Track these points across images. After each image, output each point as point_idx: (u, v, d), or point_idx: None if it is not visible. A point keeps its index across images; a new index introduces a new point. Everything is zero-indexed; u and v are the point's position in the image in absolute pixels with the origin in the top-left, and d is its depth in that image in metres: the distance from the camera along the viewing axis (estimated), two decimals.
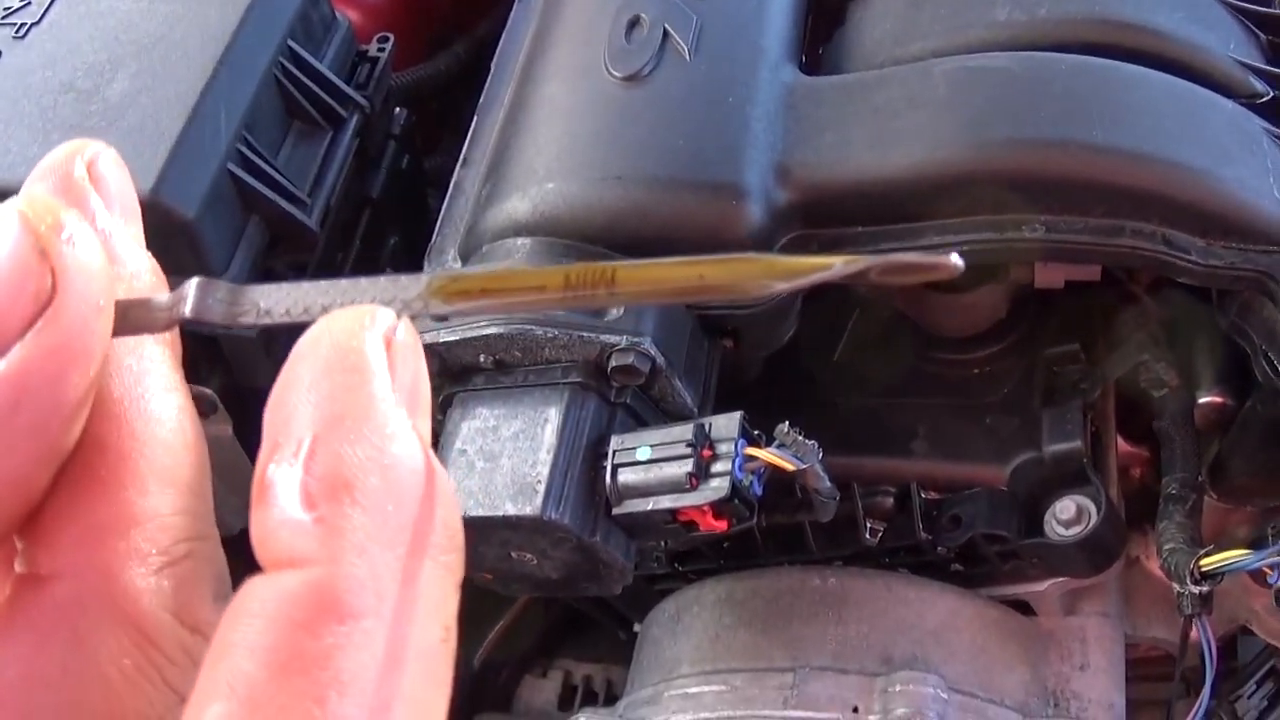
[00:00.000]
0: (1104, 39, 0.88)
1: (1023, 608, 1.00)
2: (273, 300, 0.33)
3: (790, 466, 0.77)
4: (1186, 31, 0.90)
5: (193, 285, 0.33)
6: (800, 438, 0.78)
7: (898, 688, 0.88)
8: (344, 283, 0.33)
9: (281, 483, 0.29)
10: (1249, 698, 1.03)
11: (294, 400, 0.30)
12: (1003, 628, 0.96)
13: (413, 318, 0.31)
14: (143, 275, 0.34)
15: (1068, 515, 0.92)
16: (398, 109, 1.07)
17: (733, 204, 0.83)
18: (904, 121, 0.84)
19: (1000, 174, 0.81)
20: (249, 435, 0.97)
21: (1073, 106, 0.83)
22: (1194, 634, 0.92)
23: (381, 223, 1.05)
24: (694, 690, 0.93)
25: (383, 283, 0.32)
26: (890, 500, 0.95)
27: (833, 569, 0.95)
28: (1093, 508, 0.92)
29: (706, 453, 0.77)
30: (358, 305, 0.31)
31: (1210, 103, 0.86)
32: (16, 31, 0.93)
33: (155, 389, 0.33)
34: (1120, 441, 1.04)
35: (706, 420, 0.79)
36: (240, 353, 0.93)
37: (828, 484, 0.79)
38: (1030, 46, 0.88)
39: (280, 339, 0.92)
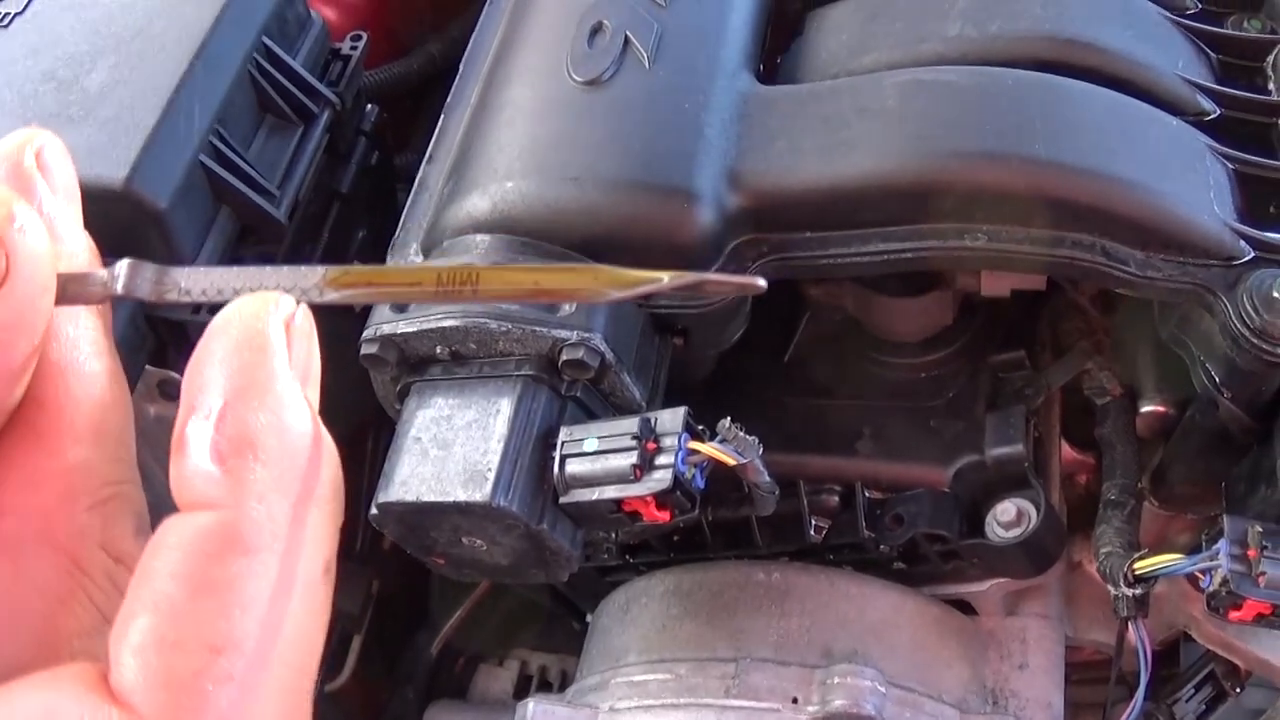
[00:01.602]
0: (1053, 56, 0.93)
1: (965, 608, 1.05)
2: (193, 282, 0.39)
3: (731, 461, 0.82)
4: (1134, 50, 0.95)
5: (124, 265, 0.40)
6: (741, 433, 0.83)
7: (836, 680, 0.93)
8: (254, 269, 0.39)
9: (195, 439, 0.35)
10: (1187, 701, 1.08)
11: (208, 371, 0.36)
12: (943, 625, 1.01)
13: (310, 305, 0.37)
14: (80, 254, 0.40)
15: (1008, 517, 0.98)
16: (369, 105, 1.13)
17: (684, 207, 0.88)
18: (854, 131, 0.89)
19: (945, 184, 0.86)
20: None
21: (1017, 121, 0.88)
22: (1130, 637, 0.98)
23: (350, 216, 1.10)
24: (639, 678, 0.98)
25: (285, 271, 0.39)
26: (835, 498, 1.00)
27: (777, 564, 1.00)
28: (1033, 510, 0.97)
29: (651, 445, 0.82)
30: (264, 291, 0.37)
31: (1153, 119, 0.91)
32: (0, 21, 0.99)
33: (88, 354, 0.39)
34: (1066, 449, 1.09)
35: (652, 415, 0.84)
36: None
37: (767, 479, 0.84)
38: (982, 62, 0.93)
39: None
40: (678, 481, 0.80)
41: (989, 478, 0.99)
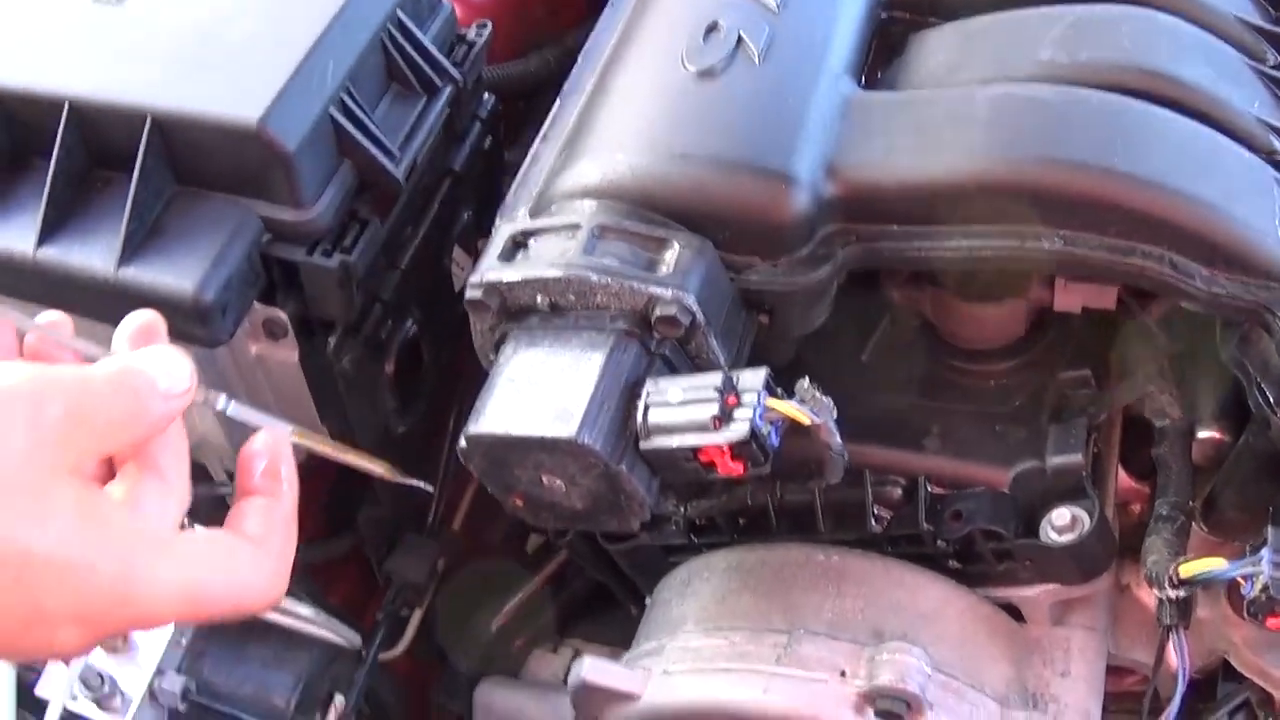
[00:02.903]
0: (1138, 85, 1.02)
1: (1015, 615, 1.12)
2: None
3: (807, 420, 0.90)
4: (1214, 87, 1.04)
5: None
6: (819, 394, 0.91)
7: (885, 657, 1.00)
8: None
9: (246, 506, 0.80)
10: None
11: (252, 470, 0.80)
12: (991, 624, 1.08)
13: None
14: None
15: (1063, 522, 1.05)
16: (486, 95, 1.24)
17: (782, 189, 0.97)
18: (946, 135, 0.99)
19: (1026, 188, 0.95)
20: (311, 360, 1.12)
21: (1099, 135, 0.97)
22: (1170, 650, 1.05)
23: (460, 195, 1.20)
24: (694, 644, 1.06)
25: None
26: (899, 491, 1.08)
27: (837, 549, 1.08)
28: (1086, 518, 1.05)
29: (731, 399, 0.90)
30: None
31: (1226, 148, 1.00)
32: None
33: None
34: (1124, 476, 1.17)
35: (735, 372, 0.92)
36: (318, 286, 1.07)
37: (838, 440, 0.92)
38: (1070, 85, 1.02)
39: (356, 279, 1.08)
40: (754, 434, 0.88)
41: (1047, 484, 1.06)
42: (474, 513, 1.39)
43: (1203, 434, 1.08)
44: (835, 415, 0.91)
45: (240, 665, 1.17)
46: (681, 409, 0.90)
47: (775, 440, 0.91)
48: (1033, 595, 1.09)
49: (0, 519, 0.68)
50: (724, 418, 0.89)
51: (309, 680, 1.18)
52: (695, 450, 0.90)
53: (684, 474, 0.93)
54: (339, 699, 1.20)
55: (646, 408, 0.91)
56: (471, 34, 1.20)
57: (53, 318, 0.78)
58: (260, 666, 1.17)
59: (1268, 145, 1.04)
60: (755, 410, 0.89)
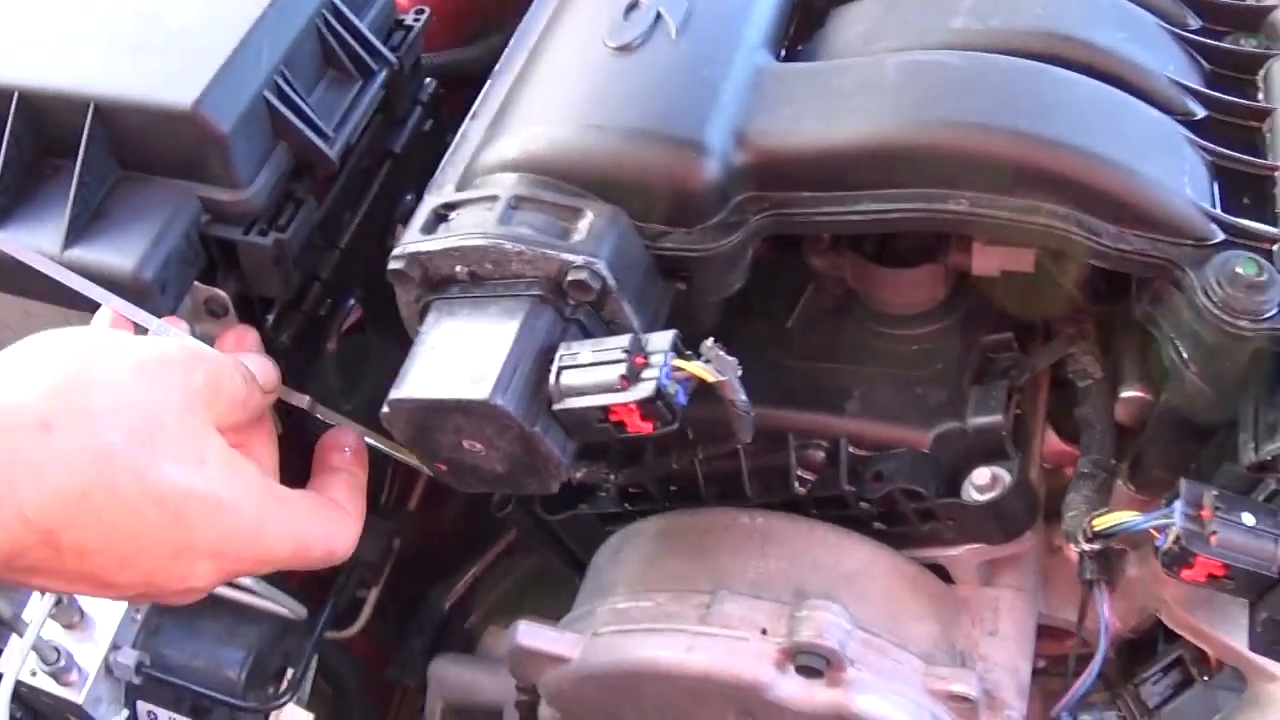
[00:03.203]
0: (1049, 50, 1.05)
1: (944, 577, 1.15)
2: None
3: (711, 377, 0.93)
4: (1127, 50, 1.07)
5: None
6: (722, 354, 0.94)
7: (804, 614, 1.03)
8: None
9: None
10: (1154, 684, 1.17)
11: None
12: (916, 584, 1.11)
13: None
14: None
15: (983, 481, 1.08)
16: (428, 80, 1.28)
17: (693, 157, 1.00)
18: (854, 102, 1.02)
19: (930, 150, 0.98)
20: None
21: (1004, 98, 1.00)
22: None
23: (401, 177, 1.24)
24: (622, 606, 1.09)
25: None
26: (821, 454, 1.12)
27: (763, 512, 1.11)
28: (1006, 476, 1.08)
29: (640, 360, 0.93)
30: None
31: (1134, 109, 1.03)
32: None
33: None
34: (1056, 440, 1.19)
35: (645, 335, 0.96)
36: (255, 263, 1.12)
37: (743, 397, 0.95)
38: (981, 51, 1.05)
39: (290, 256, 1.12)
40: (660, 393, 0.91)
41: (969, 445, 1.09)
42: (429, 493, 1.43)
43: (1126, 393, 1.11)
44: (740, 373, 0.94)
45: (193, 640, 1.22)
46: (592, 370, 0.94)
47: (683, 399, 0.94)
48: (959, 555, 1.12)
49: (165, 463, 0.85)
50: (632, 377, 0.93)
51: (259, 654, 1.22)
52: (606, 410, 0.93)
53: (596, 434, 0.97)
54: (290, 673, 1.24)
55: (559, 370, 0.95)
56: (410, 19, 1.24)
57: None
58: (212, 641, 1.22)
59: (1182, 107, 1.07)
60: (662, 370, 0.93)
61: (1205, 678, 1.17)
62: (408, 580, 1.40)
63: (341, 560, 0.99)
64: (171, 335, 0.98)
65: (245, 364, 0.96)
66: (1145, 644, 1.22)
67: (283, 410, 1.06)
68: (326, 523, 0.97)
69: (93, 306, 1.04)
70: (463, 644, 1.41)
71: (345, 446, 1.04)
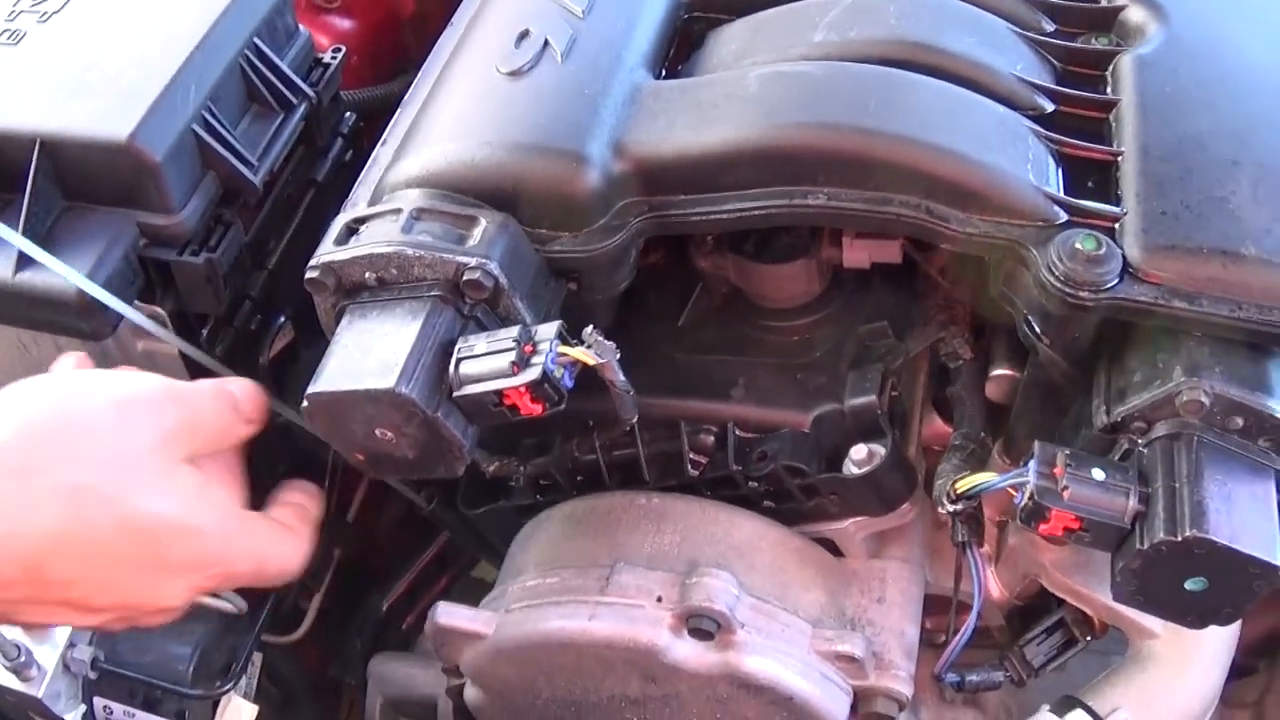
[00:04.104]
0: (901, 56, 1.20)
1: (835, 552, 1.28)
2: None
3: (591, 361, 1.07)
4: (976, 54, 1.21)
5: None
6: (601, 339, 1.08)
7: (695, 580, 1.17)
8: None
9: None
10: (1038, 644, 1.30)
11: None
12: (804, 555, 1.24)
13: None
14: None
15: (860, 456, 1.22)
16: (348, 113, 1.44)
17: (575, 167, 1.14)
18: (720, 111, 1.17)
19: (788, 150, 1.13)
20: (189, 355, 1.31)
21: (855, 100, 1.14)
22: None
23: (325, 204, 1.39)
24: (532, 583, 1.23)
25: None
26: (711, 438, 1.25)
27: (660, 494, 1.25)
28: (881, 451, 1.21)
29: (528, 348, 1.07)
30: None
31: (979, 105, 1.17)
32: (40, 18, 1.32)
33: None
34: (941, 423, 1.33)
35: (533, 326, 1.10)
36: (189, 282, 1.27)
37: (623, 379, 1.09)
38: (840, 61, 1.20)
39: (221, 275, 1.26)
40: (546, 376, 1.05)
41: (847, 425, 1.23)
42: (367, 503, 1.57)
43: (996, 372, 1.24)
44: (618, 357, 1.08)
45: (144, 637, 1.35)
46: (486, 359, 1.08)
47: (569, 382, 1.08)
48: (845, 529, 1.26)
49: (138, 496, 1.01)
50: (521, 363, 1.07)
51: (205, 649, 1.36)
52: (500, 394, 1.07)
53: (493, 417, 1.10)
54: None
55: (458, 360, 1.09)
56: (327, 57, 1.40)
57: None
58: (161, 637, 1.35)
59: (1032, 103, 1.21)
60: (548, 355, 1.07)
61: (1089, 638, 1.30)
62: (349, 586, 1.53)
63: (293, 578, 1.15)
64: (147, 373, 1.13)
65: (233, 392, 1.13)
66: (1039, 610, 1.34)
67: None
68: (282, 544, 1.14)
69: (47, 326, 1.19)
70: (401, 644, 1.54)
71: (304, 490, 1.21)
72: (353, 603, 1.56)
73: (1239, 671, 1.48)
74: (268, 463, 1.26)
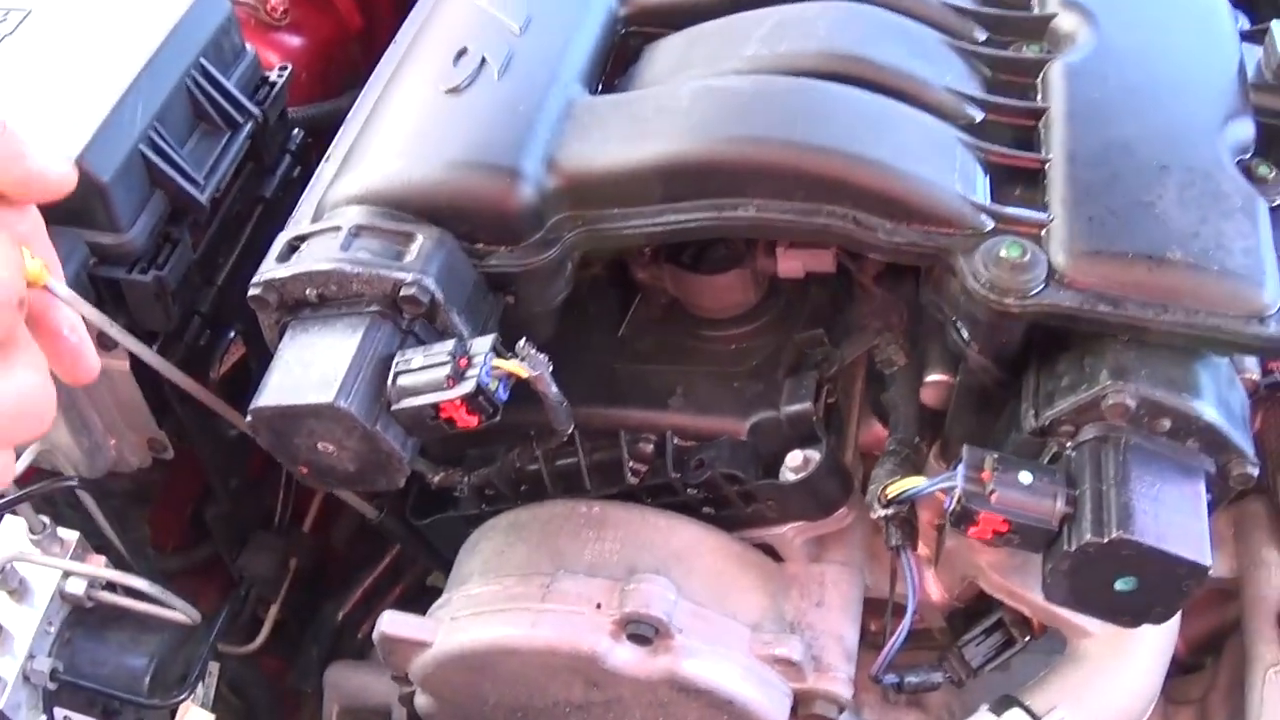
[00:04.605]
0: (831, 68, 1.24)
1: (776, 557, 1.33)
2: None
3: (525, 373, 1.12)
4: (905, 65, 1.26)
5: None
6: (534, 352, 1.12)
7: (632, 587, 1.21)
8: None
9: None
10: (977, 645, 1.34)
11: None
12: (743, 560, 1.29)
13: None
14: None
15: (795, 463, 1.26)
16: (295, 130, 1.49)
17: (509, 183, 1.19)
18: (651, 125, 1.21)
19: (717, 163, 1.18)
20: (142, 369, 1.35)
21: (782, 114, 1.19)
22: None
23: (273, 220, 1.44)
24: (475, 591, 1.27)
25: None
26: (650, 447, 1.30)
27: (600, 501, 1.29)
28: (817, 457, 1.26)
29: (463, 362, 1.12)
30: None
31: (906, 116, 1.21)
32: None
33: None
34: (879, 427, 1.38)
35: (468, 340, 1.15)
36: (138, 299, 1.31)
37: (555, 389, 1.14)
38: (771, 75, 1.25)
39: (170, 292, 1.31)
40: (480, 389, 1.10)
41: (783, 432, 1.28)
42: (323, 515, 1.62)
43: (930, 378, 1.29)
44: (551, 369, 1.13)
45: (101, 648, 1.40)
46: (422, 373, 1.12)
47: (504, 394, 1.12)
48: (784, 534, 1.31)
49: None
50: (456, 377, 1.11)
51: (161, 659, 1.41)
52: (436, 407, 1.12)
53: (431, 430, 1.15)
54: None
55: (395, 374, 1.13)
56: (274, 76, 1.45)
57: None
58: (118, 649, 1.40)
59: (961, 113, 1.26)
60: (482, 369, 1.11)
61: (1028, 638, 1.35)
62: (306, 596, 1.58)
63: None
64: None
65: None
66: (979, 611, 1.39)
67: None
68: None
69: None
70: (357, 653, 1.59)
71: None
72: (309, 612, 1.61)
73: (1185, 669, 1.53)
74: (222, 477, 1.31)
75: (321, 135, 1.52)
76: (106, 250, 1.30)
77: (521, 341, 1.13)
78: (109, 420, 1.42)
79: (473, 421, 1.12)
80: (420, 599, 1.57)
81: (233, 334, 1.43)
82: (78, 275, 1.28)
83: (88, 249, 1.29)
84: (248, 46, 1.45)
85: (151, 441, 1.43)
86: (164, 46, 1.34)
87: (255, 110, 1.41)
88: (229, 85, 1.39)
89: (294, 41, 1.71)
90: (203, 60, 1.37)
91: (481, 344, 1.13)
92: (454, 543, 1.40)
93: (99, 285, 1.31)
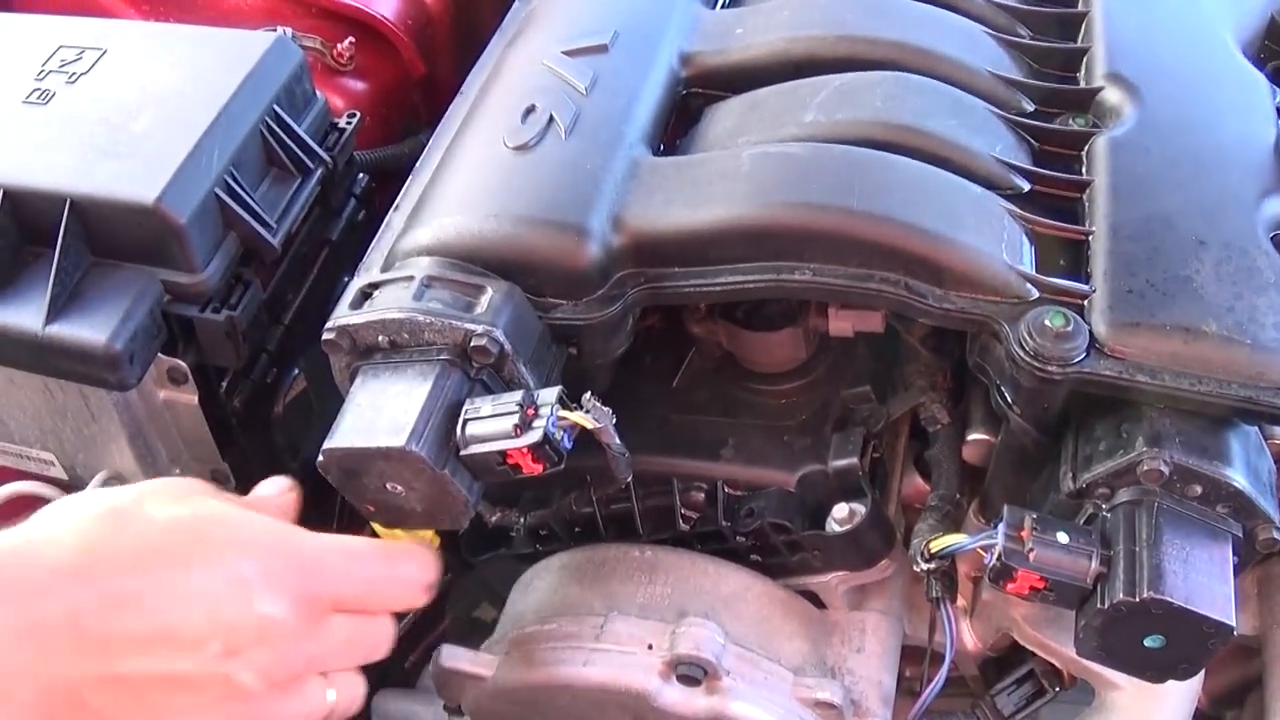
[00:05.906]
0: (885, 138, 1.35)
1: (818, 604, 1.44)
2: None
3: (590, 424, 1.23)
4: (956, 136, 1.37)
5: None
6: (599, 405, 1.23)
7: (683, 629, 1.32)
8: None
9: None
10: (1009, 694, 1.45)
11: None
12: (788, 607, 1.40)
13: None
14: None
15: (841, 515, 1.37)
16: (361, 175, 1.60)
17: (576, 240, 1.30)
18: (713, 189, 1.33)
19: (776, 228, 1.29)
20: (210, 403, 1.47)
21: (838, 181, 1.30)
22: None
23: (338, 262, 1.56)
24: (530, 630, 1.38)
25: None
26: (702, 495, 1.42)
27: (652, 546, 1.41)
28: (862, 510, 1.37)
29: (531, 412, 1.22)
30: None
31: (957, 186, 1.32)
32: (69, 79, 1.48)
33: None
34: (921, 481, 1.49)
35: (536, 391, 1.26)
36: (210, 337, 1.43)
37: (618, 442, 1.24)
38: (827, 142, 1.36)
39: (241, 331, 1.42)
40: (547, 438, 1.20)
41: (830, 485, 1.39)
42: None
43: (972, 436, 1.40)
44: (614, 421, 1.24)
45: None
46: (491, 421, 1.23)
47: (569, 444, 1.23)
48: (828, 582, 1.42)
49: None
50: (524, 426, 1.21)
51: None
52: (503, 454, 1.22)
53: (497, 475, 1.25)
54: None
55: (465, 422, 1.24)
56: (343, 122, 1.57)
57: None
58: None
59: (1009, 183, 1.36)
60: (549, 419, 1.22)
61: (1057, 689, 1.46)
62: None
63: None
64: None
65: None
66: (1012, 661, 1.50)
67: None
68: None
69: (73, 376, 1.34)
70: (404, 681, 1.70)
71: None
72: None
73: None
74: None
75: (384, 180, 1.64)
76: (181, 289, 1.40)
77: (588, 395, 1.24)
78: (174, 451, 1.52)
79: (538, 469, 1.23)
80: (470, 634, 1.68)
81: (296, 371, 1.54)
82: (151, 312, 1.39)
83: (162, 287, 1.40)
84: (318, 94, 1.56)
85: (214, 473, 1.54)
86: (239, 92, 1.45)
87: (326, 156, 1.52)
88: (301, 132, 1.50)
89: (358, 86, 1.83)
90: (276, 107, 1.48)
91: (548, 395, 1.24)
92: (507, 579, 1.51)
93: (171, 322, 1.41)
